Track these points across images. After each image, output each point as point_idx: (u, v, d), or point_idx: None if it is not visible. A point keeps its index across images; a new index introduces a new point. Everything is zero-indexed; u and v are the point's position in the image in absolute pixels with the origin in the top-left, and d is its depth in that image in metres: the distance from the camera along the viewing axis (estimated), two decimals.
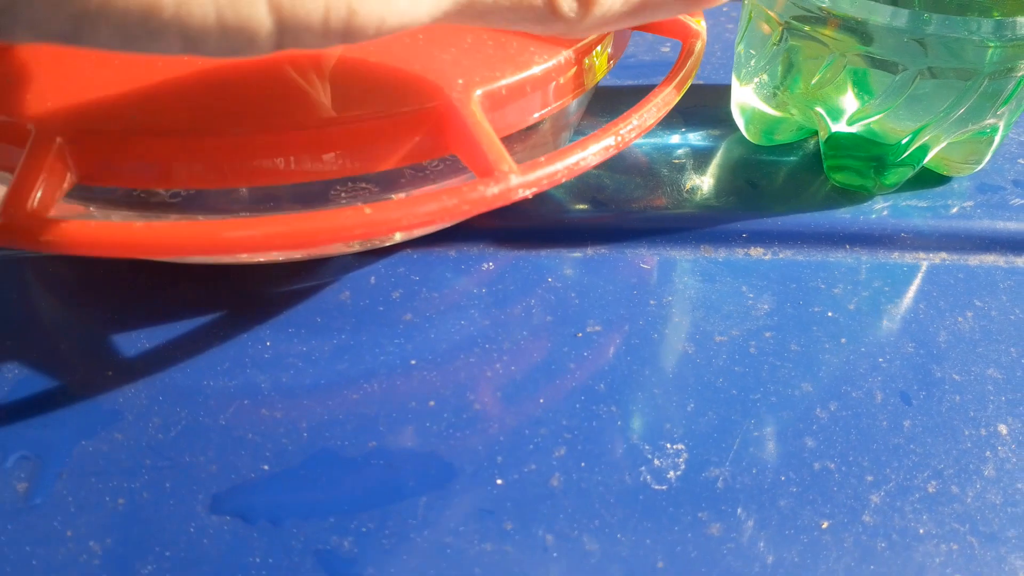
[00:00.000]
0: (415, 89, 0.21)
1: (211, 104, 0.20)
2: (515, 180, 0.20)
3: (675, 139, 0.31)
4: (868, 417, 0.22)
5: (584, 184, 0.29)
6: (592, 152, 0.22)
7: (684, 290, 0.26)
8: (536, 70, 0.23)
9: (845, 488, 0.20)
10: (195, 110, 0.20)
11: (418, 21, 0.16)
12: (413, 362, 0.23)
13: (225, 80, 0.21)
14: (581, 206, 0.28)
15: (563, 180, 0.21)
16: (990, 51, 0.24)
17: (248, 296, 0.25)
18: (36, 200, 0.18)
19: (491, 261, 0.27)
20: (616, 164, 0.30)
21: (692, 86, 0.35)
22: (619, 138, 0.22)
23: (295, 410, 0.22)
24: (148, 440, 0.21)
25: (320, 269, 0.26)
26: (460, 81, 0.21)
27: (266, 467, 0.21)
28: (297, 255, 0.25)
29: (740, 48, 0.29)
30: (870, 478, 0.21)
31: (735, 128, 0.31)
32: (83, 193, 0.23)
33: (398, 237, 0.26)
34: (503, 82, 0.22)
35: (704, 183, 0.29)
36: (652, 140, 0.31)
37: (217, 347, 0.24)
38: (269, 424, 0.22)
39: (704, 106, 0.33)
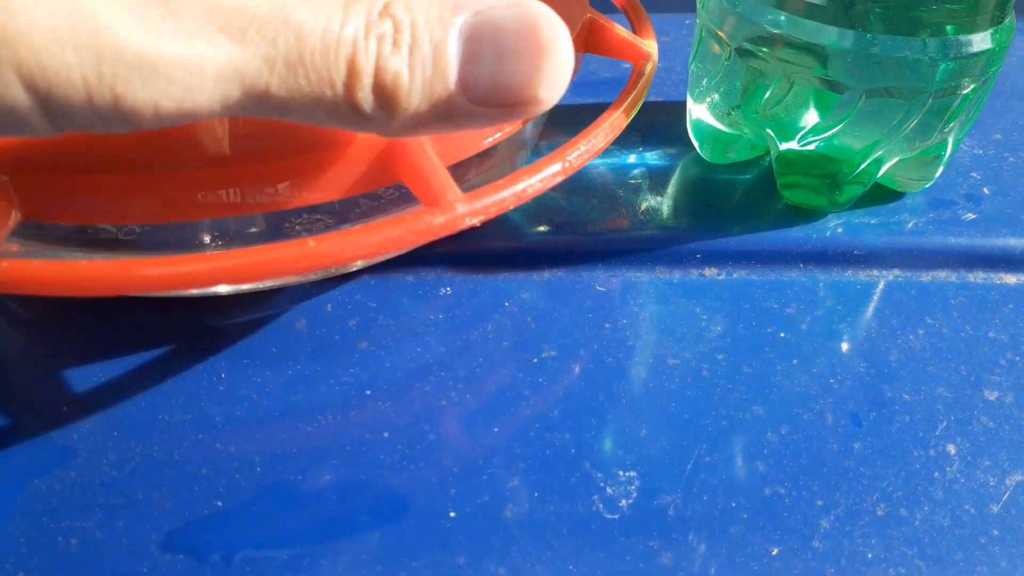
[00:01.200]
0: None
1: (158, 138, 0.20)
2: (461, 209, 0.20)
3: (632, 159, 0.31)
4: (818, 440, 0.22)
5: (541, 207, 0.29)
6: (539, 179, 0.22)
7: (639, 312, 0.26)
8: None
9: (795, 513, 0.21)
10: (140, 145, 0.20)
11: (203, 108, 0.16)
12: (368, 392, 0.23)
13: None
14: (539, 229, 0.28)
15: (511, 207, 0.21)
16: (938, 70, 0.24)
17: (204, 327, 0.25)
18: None
19: (449, 286, 0.27)
20: (573, 186, 0.30)
21: (651, 104, 0.35)
22: (567, 164, 0.22)
23: (248, 444, 0.22)
24: (101, 477, 0.21)
25: (277, 298, 0.26)
26: None
27: (219, 503, 0.21)
28: (247, 287, 0.25)
29: (693, 67, 0.29)
30: (820, 502, 0.21)
31: (691, 147, 0.31)
32: (32, 231, 0.23)
33: (358, 264, 0.27)
34: None
35: (660, 204, 0.29)
36: (609, 160, 0.31)
37: (172, 380, 0.24)
38: (223, 458, 0.22)
39: (662, 124, 0.34)
